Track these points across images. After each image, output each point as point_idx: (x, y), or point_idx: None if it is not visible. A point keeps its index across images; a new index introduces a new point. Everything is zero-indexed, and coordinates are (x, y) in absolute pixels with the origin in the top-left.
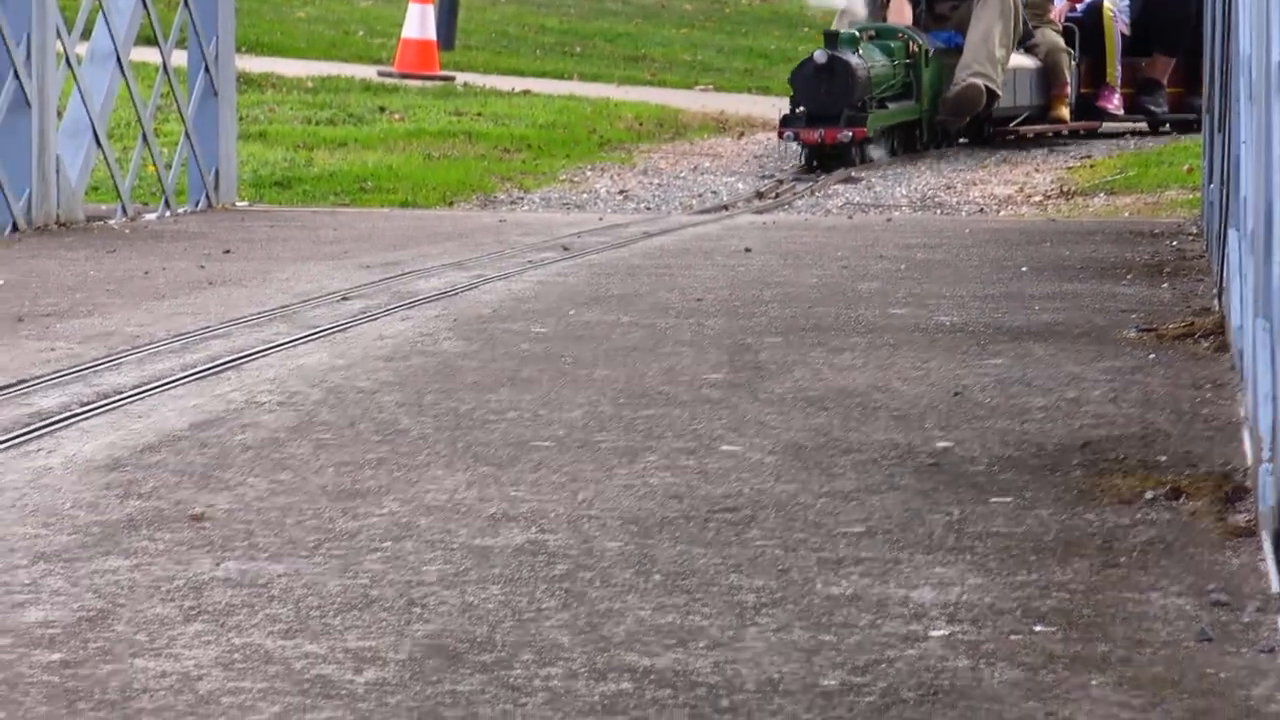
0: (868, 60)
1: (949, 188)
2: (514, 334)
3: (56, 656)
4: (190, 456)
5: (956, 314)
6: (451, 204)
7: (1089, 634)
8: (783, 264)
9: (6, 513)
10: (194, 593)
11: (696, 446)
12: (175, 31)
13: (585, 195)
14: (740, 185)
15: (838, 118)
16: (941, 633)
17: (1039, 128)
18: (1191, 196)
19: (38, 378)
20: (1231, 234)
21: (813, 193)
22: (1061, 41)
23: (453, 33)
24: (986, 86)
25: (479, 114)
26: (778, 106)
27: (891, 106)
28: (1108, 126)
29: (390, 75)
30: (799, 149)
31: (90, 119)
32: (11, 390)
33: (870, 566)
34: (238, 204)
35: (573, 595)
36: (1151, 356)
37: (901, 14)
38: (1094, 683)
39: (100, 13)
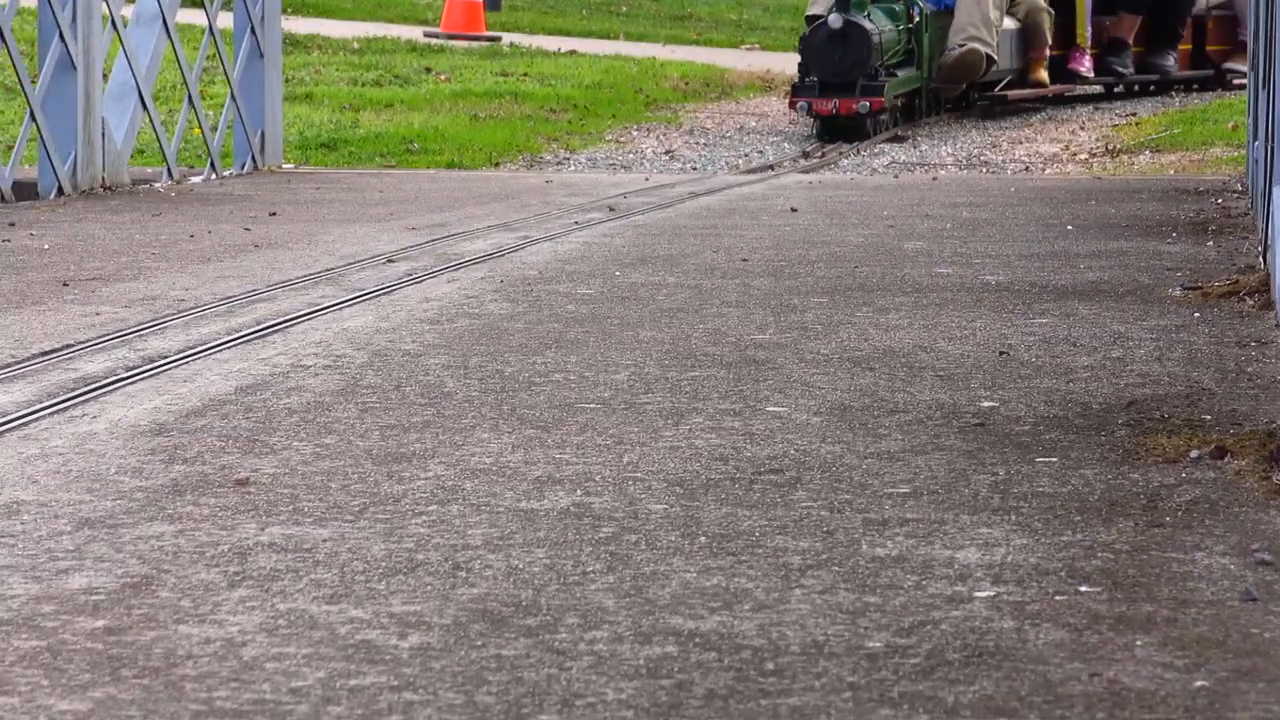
0: (878, 25)
1: (994, 146)
2: (560, 295)
3: (100, 623)
4: (235, 421)
5: (1002, 273)
6: (497, 165)
7: (1134, 594)
8: (829, 223)
9: (51, 478)
10: (238, 558)
11: (742, 408)
12: None
13: (631, 155)
14: (786, 145)
15: (852, 87)
16: (986, 594)
17: (1021, 93)
18: (1236, 154)
19: (83, 342)
20: (1276, 191)
21: (858, 152)
22: (1043, 0)
23: None
24: (985, 51)
25: (525, 74)
26: None
27: (900, 74)
28: (1081, 91)
29: (436, 36)
30: (811, 120)
31: (136, 81)
32: (57, 355)
33: (915, 528)
34: (283, 166)
35: (618, 558)
36: (1196, 315)
37: None
38: (1139, 643)
39: None
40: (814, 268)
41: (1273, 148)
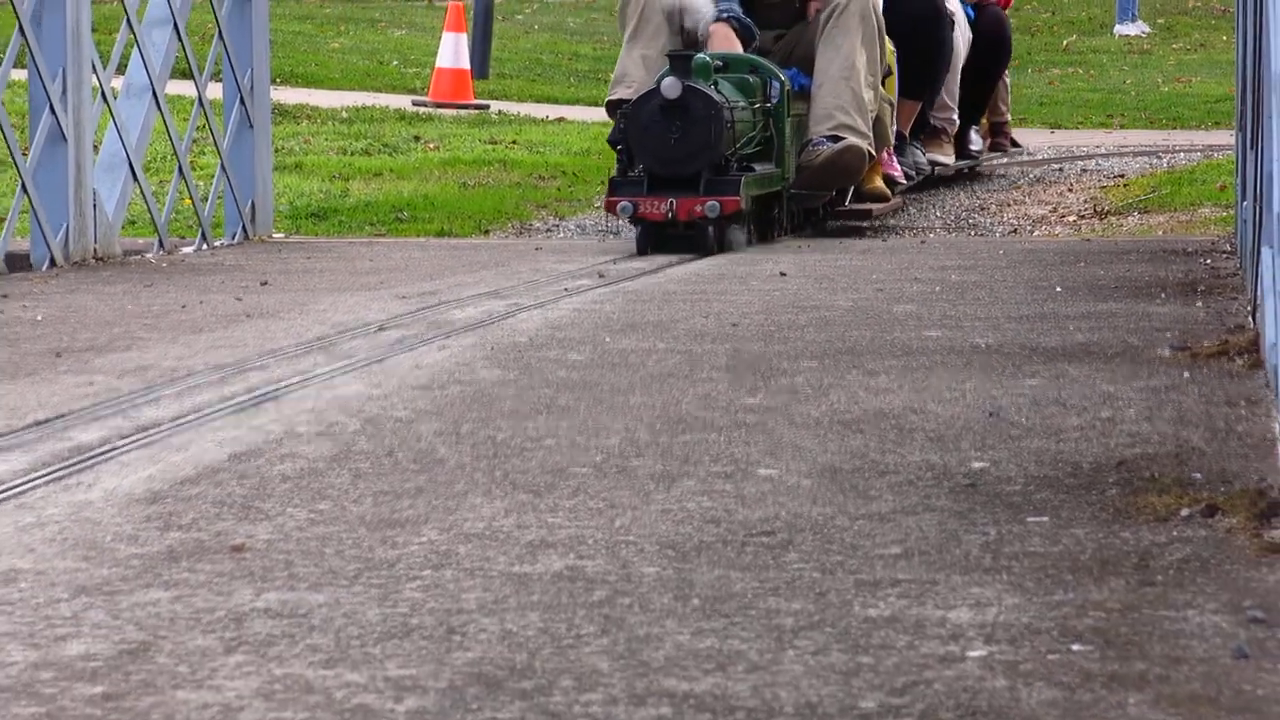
0: (729, 99)
1: (983, 209)
2: (551, 362)
3: (99, 689)
4: (230, 488)
5: (991, 335)
6: (487, 232)
7: (1126, 652)
8: (817, 288)
9: (48, 546)
10: (235, 624)
11: (733, 471)
12: (210, 64)
13: (620, 222)
14: None
15: (695, 181)
16: (979, 653)
17: (880, 206)
18: (1225, 214)
19: (77, 411)
20: (1265, 251)
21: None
22: (881, 86)
23: (486, 61)
24: (866, 148)
25: (514, 142)
26: None
27: (757, 170)
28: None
29: (425, 104)
30: (635, 227)
31: (126, 153)
32: (51, 424)
33: (907, 588)
34: (274, 236)
35: (611, 621)
36: (1185, 375)
37: (729, 48)
38: (1131, 701)
39: (135, 47)
40: (803, 332)
41: (1260, 208)
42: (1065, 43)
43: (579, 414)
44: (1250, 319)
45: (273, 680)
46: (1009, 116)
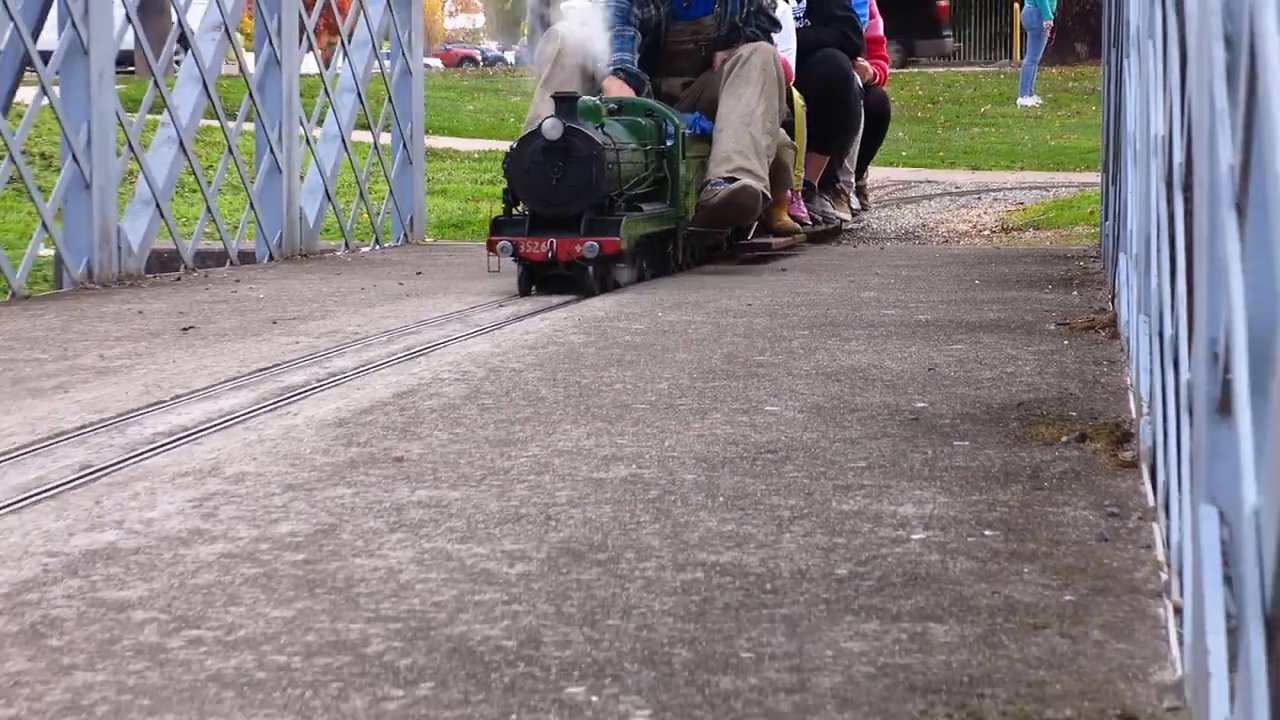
0: (616, 141)
1: (924, 226)
2: (620, 329)
3: (300, 556)
4: (393, 417)
5: (929, 313)
6: None
7: (1022, 536)
8: (807, 279)
9: (266, 456)
10: (396, 512)
11: (748, 407)
12: (382, 120)
13: None
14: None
15: (576, 221)
16: (920, 536)
17: (783, 241)
18: (1093, 230)
19: (286, 362)
20: (1121, 257)
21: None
22: (786, 134)
23: None
24: (760, 189)
25: None
26: None
27: (646, 209)
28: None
29: None
30: (518, 268)
31: (323, 181)
32: (269, 371)
33: (870, 490)
34: (426, 240)
35: (661, 512)
36: (1065, 343)
37: (624, 89)
38: (1025, 570)
39: (330, 106)
40: (797, 310)
41: (1118, 226)
42: (983, 110)
43: (639, 366)
44: (1110, 304)
45: (423, 552)
46: (866, 180)
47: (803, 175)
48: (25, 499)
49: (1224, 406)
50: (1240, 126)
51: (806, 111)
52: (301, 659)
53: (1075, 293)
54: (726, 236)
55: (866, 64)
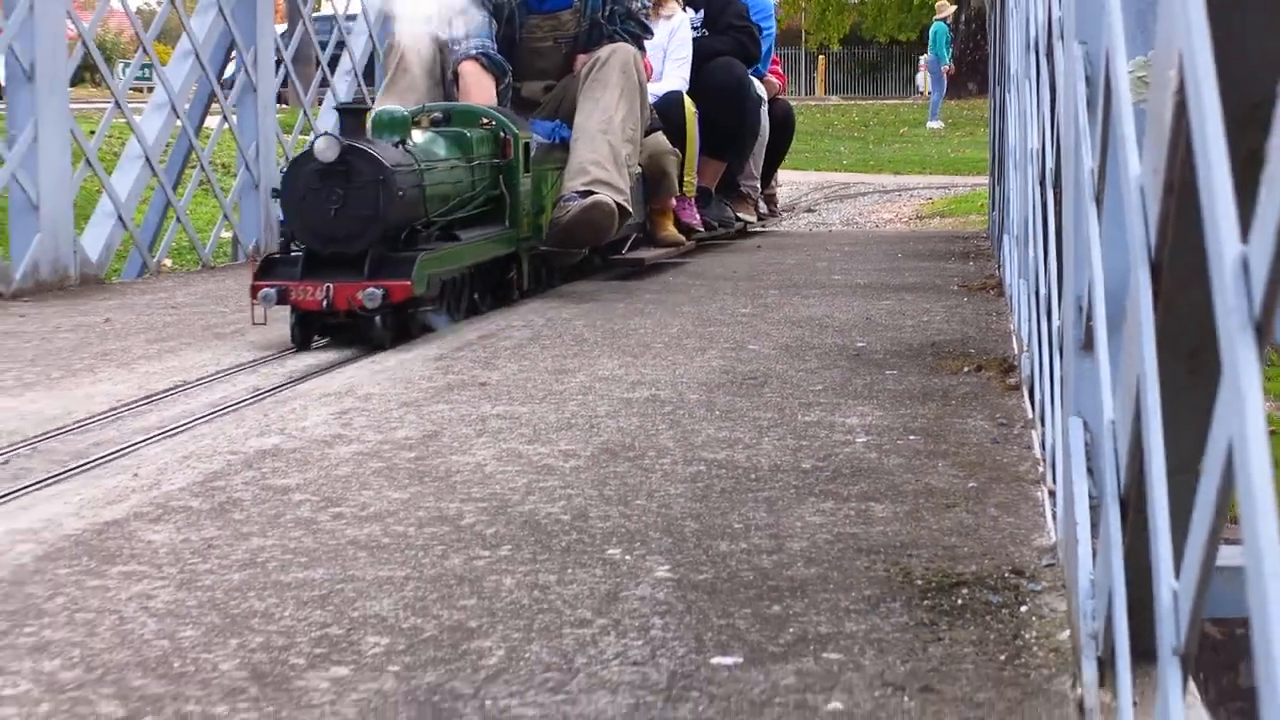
0: (421, 158)
1: (860, 215)
2: (640, 290)
3: (413, 454)
4: (478, 353)
5: (866, 278)
6: None
7: (937, 440)
8: (776, 253)
9: (387, 381)
10: (480, 422)
11: (735, 346)
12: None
13: None
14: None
15: (360, 261)
16: (862, 440)
17: (657, 253)
18: (983, 218)
19: None
20: (1005, 237)
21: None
22: (665, 140)
23: None
24: (617, 202)
25: None
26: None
27: (466, 237)
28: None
29: None
30: (289, 316)
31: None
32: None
33: (825, 406)
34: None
35: (674, 422)
36: (965, 300)
37: (480, 90)
38: (939, 466)
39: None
40: (769, 275)
41: (1002, 214)
42: (901, 131)
43: (655, 316)
44: (997, 271)
45: (501, 451)
46: (775, 188)
47: (696, 181)
48: (213, 413)
49: (1087, 345)
50: (1099, 141)
51: (701, 117)
52: (414, 528)
53: (971, 263)
54: (603, 250)
55: (773, 78)
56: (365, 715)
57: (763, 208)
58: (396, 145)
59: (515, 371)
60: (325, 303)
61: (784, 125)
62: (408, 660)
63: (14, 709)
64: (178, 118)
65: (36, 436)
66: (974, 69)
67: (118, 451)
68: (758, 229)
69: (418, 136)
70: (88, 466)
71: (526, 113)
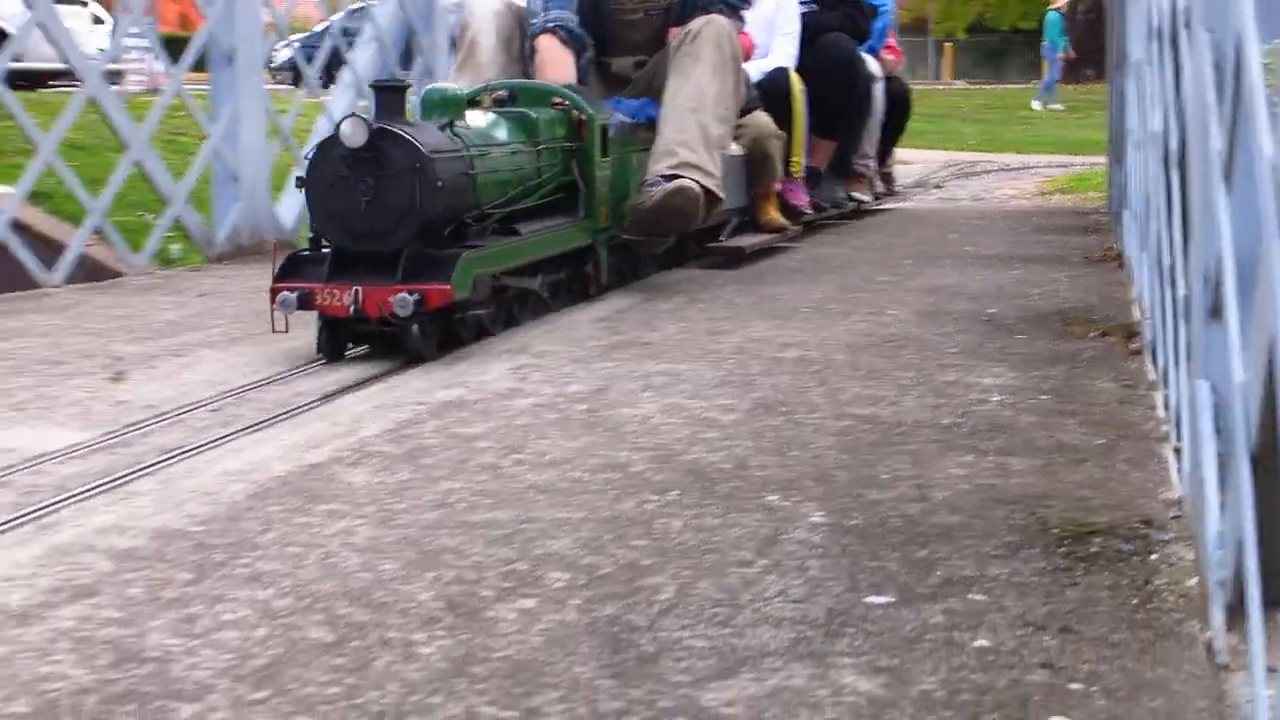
0: (473, 142)
1: (986, 190)
2: (786, 261)
3: (584, 407)
4: (640, 315)
5: (994, 249)
6: None
7: (1066, 399)
8: (909, 226)
9: (557, 340)
10: (644, 378)
11: (875, 311)
12: None
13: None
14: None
15: (394, 261)
16: (997, 399)
17: (757, 240)
18: (1102, 195)
19: None
20: (1125, 212)
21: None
22: (770, 121)
23: None
24: (704, 186)
25: None
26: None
27: (529, 230)
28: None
29: None
30: (319, 324)
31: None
32: None
33: (962, 367)
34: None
35: (822, 380)
36: (1088, 270)
37: (557, 65)
38: (1069, 422)
39: None
40: (903, 247)
41: (1118, 191)
42: (1023, 113)
43: (800, 283)
44: (1116, 243)
45: (664, 405)
46: (892, 166)
47: (804, 162)
48: (402, 368)
49: (1215, 312)
50: (1228, 123)
51: (812, 97)
52: (589, 474)
53: (1091, 236)
54: (698, 236)
55: (888, 55)
56: (551, 644)
57: (879, 186)
58: (444, 128)
59: (675, 332)
60: (353, 308)
61: (901, 103)
62: (587, 594)
63: (234, 632)
64: (361, 98)
65: (243, 386)
66: (1091, 56)
67: (317, 401)
68: (875, 208)
69: (474, 118)
70: (291, 414)
71: (617, 90)
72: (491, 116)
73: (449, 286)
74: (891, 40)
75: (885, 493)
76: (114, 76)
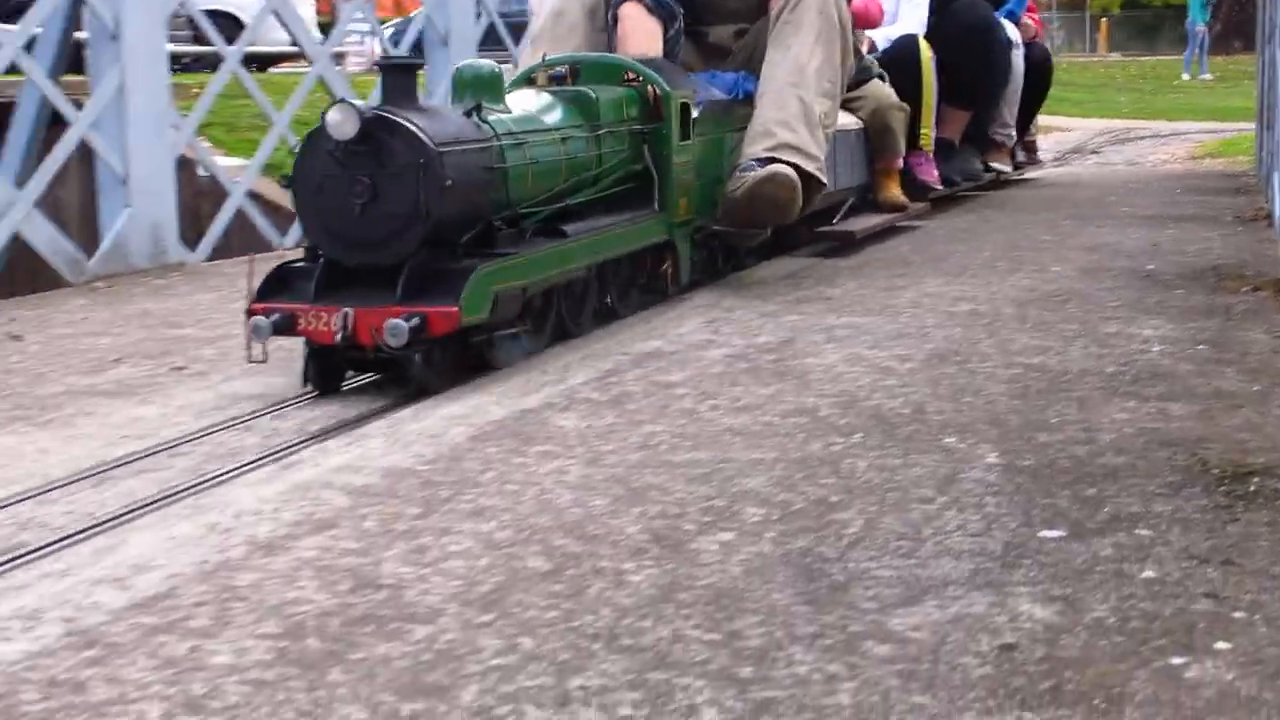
0: (511, 128)
1: (1140, 155)
2: (954, 223)
3: (773, 357)
4: (822, 272)
5: (1149, 210)
6: None
7: (1222, 349)
8: (1067, 190)
9: (748, 296)
10: (826, 330)
11: (1040, 269)
12: None
13: None
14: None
15: (394, 274)
16: (1157, 349)
17: (871, 224)
18: (1250, 158)
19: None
20: (1275, 174)
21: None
22: (892, 92)
23: None
24: (805, 170)
25: None
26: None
27: (580, 230)
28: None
29: None
30: (305, 351)
31: None
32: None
33: (1123, 319)
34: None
35: (991, 332)
36: (1240, 229)
37: (640, 36)
38: (1226, 370)
39: None
40: (1063, 209)
41: (1268, 155)
42: (1174, 83)
43: (969, 244)
44: (1266, 203)
45: (846, 354)
46: (1034, 135)
47: (933, 134)
48: (604, 327)
49: None
50: None
51: (944, 64)
52: (779, 418)
53: (1241, 198)
54: (808, 221)
55: (1029, 21)
56: (749, 573)
57: (1020, 156)
58: (470, 112)
59: (854, 288)
60: (340, 335)
61: (1042, 70)
62: (781, 528)
63: (461, 562)
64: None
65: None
66: (1240, 28)
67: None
68: (1017, 178)
69: (519, 100)
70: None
71: (715, 62)
72: (542, 97)
73: (456, 309)
74: (1031, 8)
75: (1054, 435)
76: (336, 58)
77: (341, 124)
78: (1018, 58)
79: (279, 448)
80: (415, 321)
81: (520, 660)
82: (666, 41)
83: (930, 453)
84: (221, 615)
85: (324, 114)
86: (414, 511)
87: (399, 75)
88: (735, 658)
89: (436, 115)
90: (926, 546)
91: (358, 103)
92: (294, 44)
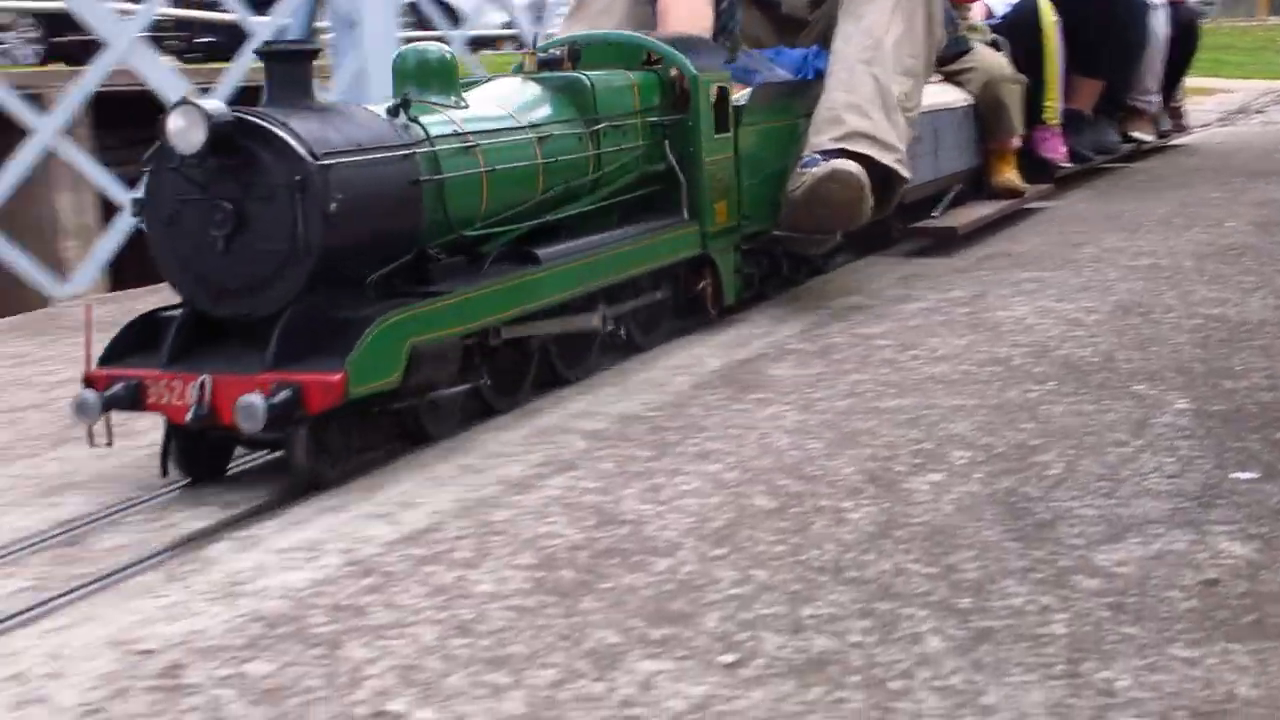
0: (448, 130)
1: None
2: (1129, 181)
3: (966, 310)
4: (1006, 230)
5: None
6: None
7: None
8: (1234, 149)
9: (936, 254)
10: (1014, 285)
11: (1215, 225)
12: None
13: None
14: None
15: (266, 328)
16: None
17: (975, 218)
18: None
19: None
20: None
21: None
22: (1007, 63)
23: None
24: (882, 164)
25: None
26: None
27: (565, 248)
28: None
29: None
30: (164, 429)
31: None
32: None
33: None
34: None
35: (1173, 285)
36: None
37: (681, 10)
38: None
39: None
40: (1234, 166)
41: None
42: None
43: (1144, 202)
44: None
45: (1035, 307)
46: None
47: (1060, 105)
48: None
49: None
50: None
51: (1070, 29)
52: (976, 367)
53: None
54: (897, 217)
55: None
56: (960, 511)
57: (1165, 123)
58: (395, 110)
59: (1037, 244)
60: (193, 411)
61: (1188, 32)
62: (987, 470)
63: (694, 500)
64: None
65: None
66: None
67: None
68: (1162, 145)
69: (488, 92)
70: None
71: (790, 36)
72: (525, 88)
73: (339, 375)
74: None
75: (1240, 382)
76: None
77: (185, 131)
78: (1158, 18)
79: None
80: (284, 395)
81: (755, 590)
82: (721, 16)
83: (1122, 399)
84: (481, 547)
85: (171, 120)
86: (645, 454)
87: (287, 65)
88: (954, 589)
89: (332, 116)
90: (1125, 487)
91: (209, 102)
92: (507, 25)
